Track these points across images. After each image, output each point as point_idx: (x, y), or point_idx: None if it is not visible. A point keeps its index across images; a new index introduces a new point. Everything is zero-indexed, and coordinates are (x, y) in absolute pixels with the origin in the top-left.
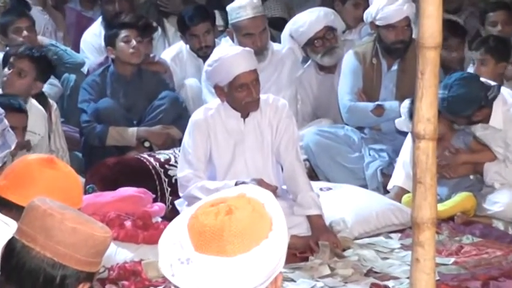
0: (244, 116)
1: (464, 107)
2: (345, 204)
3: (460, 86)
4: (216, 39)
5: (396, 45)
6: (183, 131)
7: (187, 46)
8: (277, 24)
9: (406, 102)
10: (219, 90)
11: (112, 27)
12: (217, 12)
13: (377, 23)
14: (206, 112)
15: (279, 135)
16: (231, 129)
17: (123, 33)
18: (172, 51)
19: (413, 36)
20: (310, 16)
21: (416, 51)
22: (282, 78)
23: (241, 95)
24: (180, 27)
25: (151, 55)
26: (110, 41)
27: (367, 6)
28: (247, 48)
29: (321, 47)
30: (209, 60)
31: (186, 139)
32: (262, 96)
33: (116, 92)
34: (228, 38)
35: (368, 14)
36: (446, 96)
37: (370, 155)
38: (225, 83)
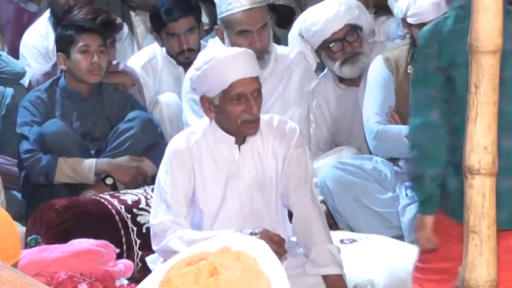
0: (240, 141)
1: None
2: (373, 261)
3: None
4: (201, 41)
5: None
6: (157, 164)
7: (163, 49)
8: (284, 21)
9: None
10: (206, 103)
11: (65, 27)
12: (201, 5)
13: (409, 20)
14: (189, 138)
15: (286, 170)
16: (221, 159)
17: (81, 41)
18: (143, 56)
19: None
20: (326, 10)
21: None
22: (289, 92)
23: (236, 110)
24: (154, 24)
25: (114, 62)
26: (62, 46)
27: None
28: (248, 50)
29: (340, 52)
30: (197, 63)
31: (162, 175)
32: (264, 117)
33: (68, 113)
34: (217, 38)
35: (398, 9)
36: None
37: (407, 195)
38: (216, 93)
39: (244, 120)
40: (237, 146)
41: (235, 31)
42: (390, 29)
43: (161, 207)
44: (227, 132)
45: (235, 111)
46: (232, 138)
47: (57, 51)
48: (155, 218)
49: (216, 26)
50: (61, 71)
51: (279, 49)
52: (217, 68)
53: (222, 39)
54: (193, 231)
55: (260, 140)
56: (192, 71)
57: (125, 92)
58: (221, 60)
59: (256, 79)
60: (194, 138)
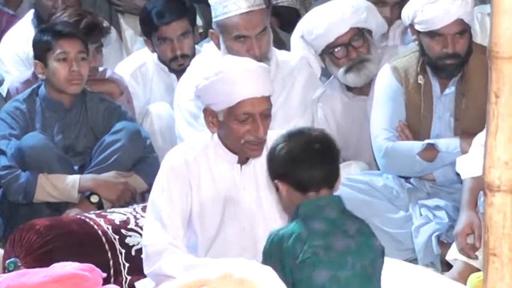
0: (242, 161)
1: None
2: (384, 286)
3: None
4: (196, 46)
5: (444, 61)
6: (147, 180)
7: (154, 55)
8: (288, 24)
9: (480, 138)
10: (210, 116)
11: (42, 32)
12: (196, 6)
13: (416, 27)
14: (187, 153)
15: None
16: (220, 179)
17: (59, 48)
18: (132, 63)
19: (480, 41)
20: (330, 12)
21: (483, 64)
22: (291, 101)
23: (241, 130)
24: (145, 28)
25: (100, 69)
26: (39, 53)
27: None
28: (263, 65)
29: (344, 58)
30: (207, 72)
31: (157, 192)
32: (270, 134)
33: (49, 125)
34: (212, 43)
35: (404, 15)
36: None
37: (421, 214)
38: (222, 108)
39: (248, 140)
40: (238, 165)
41: (231, 36)
42: (406, 32)
43: (156, 227)
44: (229, 150)
45: (240, 131)
46: (235, 157)
47: (34, 58)
48: (149, 239)
49: (211, 30)
50: (42, 80)
51: (279, 55)
52: (227, 82)
53: (218, 45)
54: (191, 256)
55: (264, 161)
56: (201, 79)
57: (110, 102)
58: (232, 74)
59: (267, 99)
60: (193, 153)
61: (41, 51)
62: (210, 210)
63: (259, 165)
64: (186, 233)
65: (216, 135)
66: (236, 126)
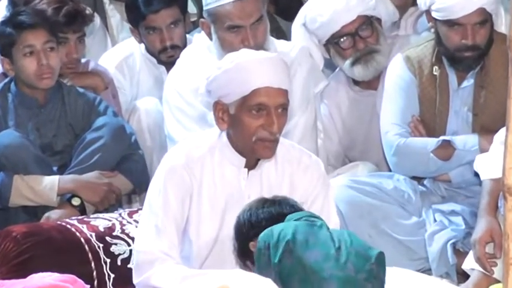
0: (250, 165)
1: None
2: None
3: None
4: (188, 35)
5: (463, 53)
6: (132, 180)
7: (142, 46)
8: (289, 11)
9: (501, 135)
10: (220, 110)
11: (4, 24)
12: None
13: (433, 14)
14: (190, 152)
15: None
16: (223, 183)
17: (24, 42)
18: (118, 54)
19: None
20: None
21: (505, 54)
22: (292, 96)
23: (253, 124)
24: (131, 17)
25: (83, 61)
26: (3, 49)
27: None
28: (282, 58)
29: (351, 49)
30: (220, 63)
31: (153, 194)
32: (282, 142)
33: (24, 122)
34: (203, 33)
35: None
36: None
37: (435, 220)
38: (235, 98)
39: (260, 137)
40: (246, 170)
41: (224, 26)
42: (419, 21)
43: (150, 232)
44: (238, 151)
45: (252, 125)
46: (243, 160)
47: (0, 54)
48: (141, 245)
49: (202, 20)
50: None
51: (278, 45)
52: (241, 69)
53: (209, 35)
54: (184, 267)
55: (274, 169)
56: (215, 69)
57: (92, 96)
58: (247, 61)
59: (284, 93)
60: (197, 153)
61: (5, 46)
62: (208, 217)
63: (267, 172)
64: (181, 239)
65: (224, 134)
66: (248, 120)
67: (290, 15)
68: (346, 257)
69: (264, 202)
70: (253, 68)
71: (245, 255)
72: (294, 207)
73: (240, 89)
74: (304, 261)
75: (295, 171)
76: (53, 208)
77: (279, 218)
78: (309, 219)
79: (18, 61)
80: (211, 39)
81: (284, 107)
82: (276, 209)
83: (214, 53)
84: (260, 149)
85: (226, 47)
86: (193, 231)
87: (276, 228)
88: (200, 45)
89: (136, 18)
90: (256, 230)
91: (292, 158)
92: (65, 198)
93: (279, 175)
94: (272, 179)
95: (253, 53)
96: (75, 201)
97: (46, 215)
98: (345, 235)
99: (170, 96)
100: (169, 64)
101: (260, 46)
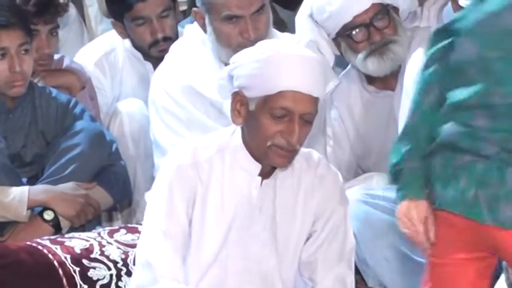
0: (265, 173)
1: None
2: None
3: None
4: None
5: None
6: (112, 192)
7: (126, 40)
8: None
9: None
10: (238, 102)
11: None
12: None
13: (461, 3)
14: (198, 152)
15: (319, 234)
16: (232, 190)
17: None
18: (97, 49)
19: None
20: None
21: None
22: None
23: (271, 128)
24: (114, 8)
25: (56, 57)
26: None
27: None
28: (324, 61)
29: (365, 42)
30: (255, 48)
31: (157, 195)
32: (302, 151)
33: None
34: (196, 24)
35: None
36: None
37: None
38: (257, 94)
39: (276, 144)
40: (259, 178)
41: (220, 16)
42: (444, 10)
43: (152, 244)
44: (253, 156)
45: (270, 129)
46: (258, 167)
47: None
48: (156, 259)
49: (195, 9)
50: None
51: (281, 39)
52: (272, 63)
53: (203, 26)
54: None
55: (290, 179)
56: (243, 52)
57: (66, 98)
58: (281, 55)
59: (314, 101)
60: (206, 154)
61: None
62: (212, 227)
63: (283, 183)
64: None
65: (238, 135)
66: (267, 122)
67: (290, 4)
68: None
69: None
70: (285, 66)
71: None
72: None
73: (265, 86)
74: None
75: (310, 181)
76: (22, 224)
77: None
78: None
79: None
80: (205, 31)
81: (310, 117)
82: None
83: (209, 47)
84: (274, 155)
85: (223, 39)
86: (193, 242)
87: None
88: (192, 38)
89: (121, 9)
90: None
91: (310, 168)
92: (36, 212)
93: (295, 188)
94: (287, 193)
95: (290, 48)
96: (48, 215)
97: (13, 233)
98: None
99: (157, 96)
100: (156, 60)
101: (261, 39)
